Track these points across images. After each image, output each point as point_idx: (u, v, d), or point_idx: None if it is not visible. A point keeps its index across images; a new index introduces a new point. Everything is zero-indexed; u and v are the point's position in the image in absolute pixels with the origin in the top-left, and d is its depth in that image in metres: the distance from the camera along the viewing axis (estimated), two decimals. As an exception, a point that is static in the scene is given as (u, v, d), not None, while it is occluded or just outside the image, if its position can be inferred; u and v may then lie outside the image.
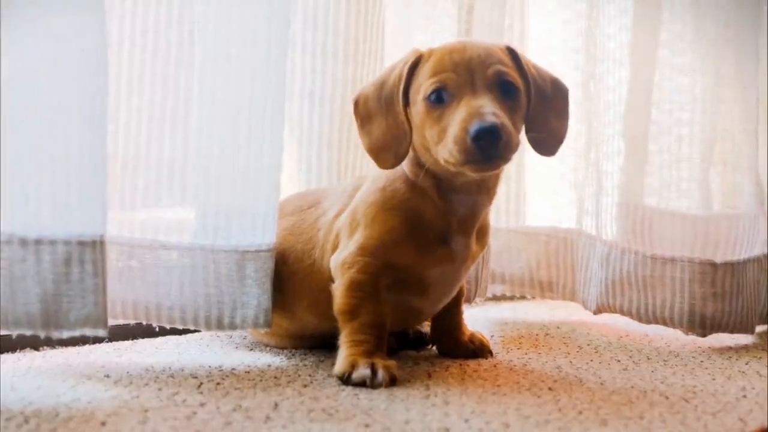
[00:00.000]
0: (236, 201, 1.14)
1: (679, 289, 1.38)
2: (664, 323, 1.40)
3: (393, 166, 1.09)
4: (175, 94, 1.15)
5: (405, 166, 1.11)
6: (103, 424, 0.86)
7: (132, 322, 1.16)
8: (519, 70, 1.08)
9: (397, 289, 1.11)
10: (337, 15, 1.34)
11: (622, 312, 1.43)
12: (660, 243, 1.42)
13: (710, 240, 1.42)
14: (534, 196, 1.64)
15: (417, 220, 1.09)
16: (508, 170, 1.56)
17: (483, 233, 1.16)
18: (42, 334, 0.99)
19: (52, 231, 0.99)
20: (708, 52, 1.45)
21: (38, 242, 0.98)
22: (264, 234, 1.15)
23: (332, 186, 1.31)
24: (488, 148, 0.98)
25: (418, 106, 1.06)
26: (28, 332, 0.99)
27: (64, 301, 0.99)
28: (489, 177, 1.09)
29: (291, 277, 1.17)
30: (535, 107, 1.09)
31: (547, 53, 1.60)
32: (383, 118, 1.09)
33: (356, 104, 1.12)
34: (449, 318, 1.23)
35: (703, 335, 1.38)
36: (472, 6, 1.46)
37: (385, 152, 1.09)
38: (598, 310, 1.46)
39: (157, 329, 1.21)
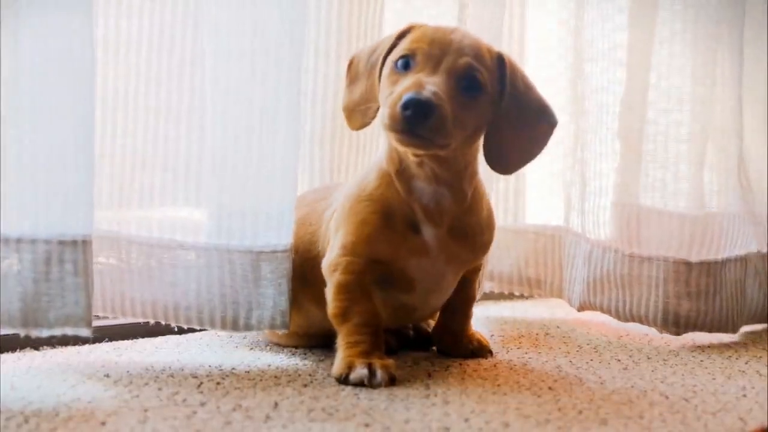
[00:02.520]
0: (250, 201, 1.14)
1: (655, 287, 1.39)
2: (640, 321, 1.41)
3: (360, 127, 1.13)
4: (191, 94, 1.16)
5: (383, 152, 1.11)
6: (103, 423, 0.86)
7: (152, 321, 1.17)
8: (500, 79, 1.07)
9: (385, 286, 1.11)
10: (329, 14, 1.34)
11: (602, 309, 1.44)
12: (638, 242, 1.43)
13: (686, 239, 1.42)
14: (530, 194, 1.64)
15: (387, 210, 1.09)
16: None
17: (469, 235, 1.13)
18: (22, 333, 0.99)
19: (33, 230, 0.99)
20: (701, 51, 1.44)
21: (19, 241, 0.98)
22: (279, 234, 1.14)
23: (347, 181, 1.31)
24: (414, 122, 0.98)
25: (386, 69, 1.07)
26: (8, 331, 0.99)
27: (43, 300, 0.99)
28: (441, 166, 1.07)
29: (300, 267, 1.17)
30: (507, 121, 1.08)
31: (546, 53, 1.60)
32: (365, 81, 1.11)
33: (350, 64, 1.15)
34: (457, 319, 1.22)
35: (677, 334, 1.39)
36: (466, 4, 1.46)
37: (356, 113, 1.12)
38: (581, 308, 1.47)
39: (175, 328, 1.21)
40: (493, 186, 1.55)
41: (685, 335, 1.41)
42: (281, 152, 1.14)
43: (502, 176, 1.56)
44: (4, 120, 0.97)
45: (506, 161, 1.12)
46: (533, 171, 1.62)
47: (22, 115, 0.98)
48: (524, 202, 1.62)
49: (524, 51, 1.57)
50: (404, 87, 1.00)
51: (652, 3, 1.45)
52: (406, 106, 0.97)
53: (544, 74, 1.59)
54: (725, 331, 1.41)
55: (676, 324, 1.38)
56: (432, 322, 1.28)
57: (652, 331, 1.45)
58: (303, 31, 1.16)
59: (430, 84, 1.00)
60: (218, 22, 1.13)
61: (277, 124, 1.14)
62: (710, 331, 1.39)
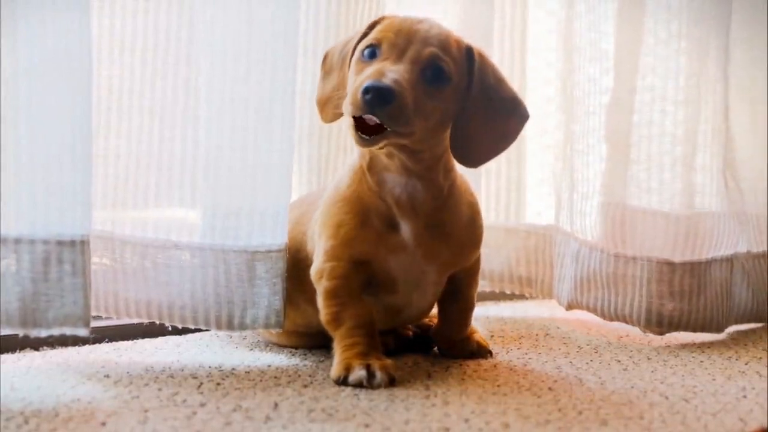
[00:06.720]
0: (245, 201, 1.14)
1: (639, 287, 1.39)
2: (624, 321, 1.41)
3: (332, 119, 1.12)
4: (185, 94, 1.16)
5: (356, 149, 1.11)
6: (103, 424, 0.86)
7: (146, 321, 1.17)
8: (469, 71, 1.07)
9: (370, 288, 1.11)
10: (317, 12, 1.34)
11: (588, 309, 1.44)
12: (623, 242, 1.43)
13: (670, 239, 1.42)
14: (526, 194, 1.64)
15: (361, 208, 1.09)
16: (498, 167, 1.57)
17: (449, 233, 1.11)
18: (20, 333, 0.99)
19: (32, 230, 0.99)
20: (687, 52, 1.44)
21: (18, 241, 0.98)
22: (274, 234, 1.15)
23: None
24: (373, 108, 0.97)
25: (354, 58, 1.07)
26: (7, 331, 1.00)
27: (42, 300, 0.99)
28: (410, 158, 1.06)
29: (294, 268, 1.17)
30: (474, 113, 1.07)
31: (546, 53, 1.60)
32: (337, 73, 1.11)
33: (324, 58, 1.15)
34: (457, 328, 1.22)
35: (660, 333, 1.39)
36: (458, 3, 1.46)
37: (328, 105, 1.12)
38: (569, 307, 1.47)
39: (170, 328, 1.21)
40: (485, 184, 1.55)
41: (686, 336, 1.41)
42: (276, 152, 1.14)
43: (495, 174, 1.57)
44: (2, 120, 0.97)
45: (471, 154, 1.09)
46: (530, 172, 1.62)
47: (20, 115, 0.98)
48: (519, 200, 1.62)
49: (525, 50, 1.57)
50: (366, 75, 1.00)
51: (640, 5, 1.45)
52: (366, 91, 0.97)
53: (543, 74, 1.59)
54: (710, 330, 1.41)
55: (659, 324, 1.39)
56: (435, 320, 1.27)
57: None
58: (297, 31, 1.16)
59: (392, 72, 1.00)
60: (213, 22, 1.13)
61: (272, 124, 1.14)
62: (694, 330, 1.40)
